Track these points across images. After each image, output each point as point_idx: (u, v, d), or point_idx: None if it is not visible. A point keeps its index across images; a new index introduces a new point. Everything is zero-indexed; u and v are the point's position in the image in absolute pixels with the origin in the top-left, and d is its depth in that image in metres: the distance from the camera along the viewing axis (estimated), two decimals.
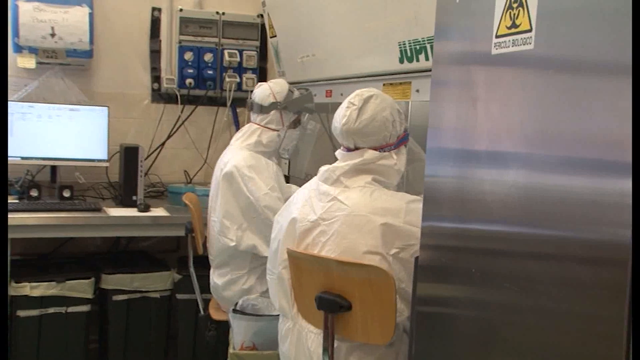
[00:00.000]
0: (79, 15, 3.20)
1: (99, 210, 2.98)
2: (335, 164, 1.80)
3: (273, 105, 2.49)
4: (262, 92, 2.52)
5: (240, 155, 2.42)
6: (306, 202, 1.79)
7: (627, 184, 0.90)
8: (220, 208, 2.42)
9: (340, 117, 1.79)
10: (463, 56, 1.25)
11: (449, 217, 1.30)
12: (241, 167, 2.37)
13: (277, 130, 2.50)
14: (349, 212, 1.68)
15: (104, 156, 3.24)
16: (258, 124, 2.51)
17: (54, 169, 3.22)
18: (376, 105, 1.77)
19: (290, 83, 2.71)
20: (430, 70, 1.35)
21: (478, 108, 1.19)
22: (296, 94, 2.57)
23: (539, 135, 1.07)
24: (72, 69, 3.36)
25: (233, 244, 2.40)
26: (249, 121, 3.58)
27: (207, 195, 2.73)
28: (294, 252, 1.74)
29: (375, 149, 1.77)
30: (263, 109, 2.49)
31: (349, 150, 1.80)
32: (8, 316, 2.80)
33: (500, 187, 1.14)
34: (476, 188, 1.20)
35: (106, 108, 3.25)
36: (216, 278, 2.51)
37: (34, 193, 3.06)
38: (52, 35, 3.16)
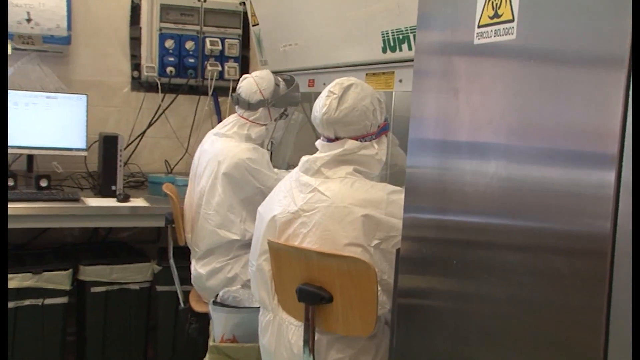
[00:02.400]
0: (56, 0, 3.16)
1: (77, 200, 2.96)
2: (316, 155, 1.80)
3: (261, 103, 2.49)
4: (248, 88, 2.51)
5: (239, 147, 2.43)
6: (287, 193, 1.80)
7: (606, 176, 0.91)
8: (221, 201, 2.41)
9: (320, 107, 1.79)
10: (445, 46, 1.26)
11: (429, 208, 1.31)
12: (245, 159, 2.39)
13: (265, 125, 2.52)
14: (329, 203, 1.69)
15: (83, 145, 3.22)
16: (245, 119, 2.51)
17: (30, 158, 3.19)
18: (357, 94, 1.77)
19: (272, 72, 2.69)
20: (413, 60, 1.35)
21: (460, 98, 1.20)
22: (282, 86, 2.56)
23: (519, 126, 1.07)
24: (49, 55, 3.31)
25: (236, 237, 2.41)
26: (231, 111, 3.56)
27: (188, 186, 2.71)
28: (275, 243, 1.74)
29: (356, 138, 1.77)
30: (251, 106, 2.49)
31: (329, 140, 1.80)
32: None
33: (481, 178, 1.14)
34: (457, 179, 1.21)
35: (85, 96, 3.22)
36: (200, 268, 2.51)
37: (10, 182, 3.03)
38: (28, 20, 3.11)
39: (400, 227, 1.38)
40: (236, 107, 2.56)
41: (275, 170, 2.58)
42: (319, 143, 1.83)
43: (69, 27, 3.23)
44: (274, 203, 1.84)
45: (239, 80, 3.68)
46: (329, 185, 1.73)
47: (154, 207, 3.01)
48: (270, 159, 2.64)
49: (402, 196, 1.40)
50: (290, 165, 3.11)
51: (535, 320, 1.03)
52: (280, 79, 2.60)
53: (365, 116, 1.77)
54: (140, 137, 3.60)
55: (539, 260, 1.03)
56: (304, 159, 1.82)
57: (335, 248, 1.65)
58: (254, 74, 2.59)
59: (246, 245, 2.42)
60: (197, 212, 2.53)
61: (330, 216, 1.67)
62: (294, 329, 1.74)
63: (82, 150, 3.23)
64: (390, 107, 2.43)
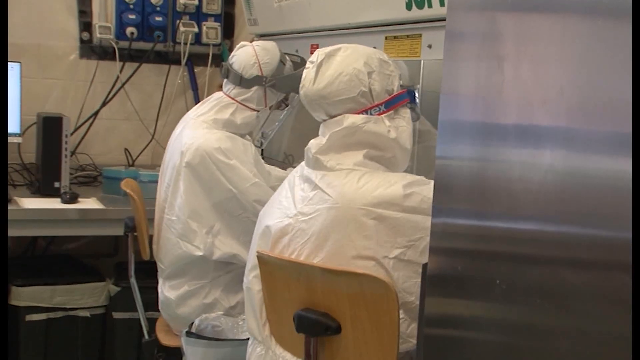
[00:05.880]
0: None
1: (8, 201, 2.96)
2: (313, 139, 1.81)
3: (256, 80, 2.48)
4: (244, 58, 2.50)
5: (210, 135, 2.42)
6: (289, 192, 1.82)
7: None
8: (183, 205, 2.42)
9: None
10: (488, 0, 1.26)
11: (466, 212, 1.31)
12: (214, 151, 2.37)
13: (257, 111, 2.51)
14: (332, 203, 1.69)
15: (16, 129, 3.24)
16: (233, 98, 2.50)
17: None
18: (344, 58, 1.78)
19: (262, 35, 2.70)
20: (445, 20, 1.36)
21: (505, 69, 1.20)
22: (288, 66, 2.55)
23: (584, 104, 1.07)
24: None
25: (200, 253, 2.41)
26: (210, 85, 3.56)
27: (155, 182, 2.73)
28: (265, 255, 1.75)
29: (356, 113, 1.77)
30: (243, 82, 2.48)
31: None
32: None
33: (533, 173, 1.14)
34: (501, 174, 1.21)
35: (17, 64, 3.25)
36: (167, 291, 2.52)
37: None
38: None
39: (428, 225, 1.38)
40: (224, 82, 2.55)
41: (270, 168, 2.55)
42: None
43: None
44: (273, 205, 1.85)
45: (220, 45, 3.70)
46: (331, 180, 1.73)
47: (110, 209, 3.03)
48: (262, 156, 2.62)
49: (427, 187, 1.40)
50: (289, 155, 3.12)
51: (601, 359, 1.04)
52: (288, 57, 2.59)
53: (359, 80, 1.76)
54: (92, 119, 3.61)
55: (609, 281, 1.03)
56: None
57: (340, 263, 1.66)
58: (255, 42, 2.58)
59: (228, 263, 2.42)
60: (161, 217, 2.54)
61: (333, 221, 1.68)
62: None
63: (15, 135, 3.24)
64: (418, 81, 2.43)
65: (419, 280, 1.61)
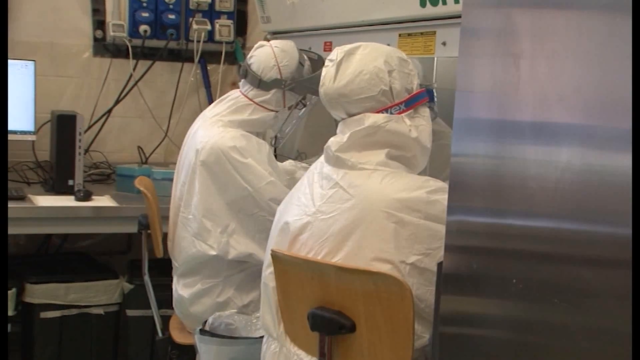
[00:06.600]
0: None
1: (22, 199, 2.99)
2: (332, 137, 1.80)
3: (276, 83, 2.46)
4: (263, 60, 2.47)
5: (225, 133, 2.40)
6: (308, 189, 1.82)
7: None
8: (198, 204, 2.42)
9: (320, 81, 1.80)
10: None
11: (481, 210, 1.30)
12: (229, 149, 2.36)
13: (275, 112, 2.50)
14: (352, 204, 1.69)
15: (30, 127, 3.25)
16: (250, 100, 2.48)
17: None
18: (364, 56, 1.77)
19: (275, 33, 2.69)
20: (460, 17, 1.35)
21: (521, 66, 1.19)
22: (307, 67, 2.53)
23: (601, 101, 1.07)
24: None
25: (213, 252, 2.40)
26: (223, 82, 3.56)
27: (169, 180, 2.74)
28: (279, 253, 1.75)
29: (377, 112, 1.77)
30: (262, 85, 2.46)
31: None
32: None
33: (549, 171, 1.14)
34: (517, 171, 1.21)
35: (32, 63, 3.25)
36: (181, 289, 2.52)
37: None
38: None
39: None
40: (242, 82, 2.53)
41: (290, 164, 2.54)
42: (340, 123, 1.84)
43: None
44: (292, 201, 1.85)
45: (233, 42, 3.69)
46: (353, 179, 1.73)
47: (123, 207, 3.04)
48: (275, 155, 2.61)
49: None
50: (301, 153, 3.12)
51: (618, 358, 1.03)
52: (305, 56, 2.57)
53: (379, 79, 1.76)
54: (105, 117, 3.62)
55: (627, 279, 1.02)
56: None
57: (357, 263, 1.65)
58: (273, 43, 2.54)
59: (241, 262, 2.42)
60: (176, 215, 2.54)
61: (353, 221, 1.68)
62: None
63: (30, 133, 3.25)
64: (431, 78, 2.43)
65: (432, 288, 1.61)
